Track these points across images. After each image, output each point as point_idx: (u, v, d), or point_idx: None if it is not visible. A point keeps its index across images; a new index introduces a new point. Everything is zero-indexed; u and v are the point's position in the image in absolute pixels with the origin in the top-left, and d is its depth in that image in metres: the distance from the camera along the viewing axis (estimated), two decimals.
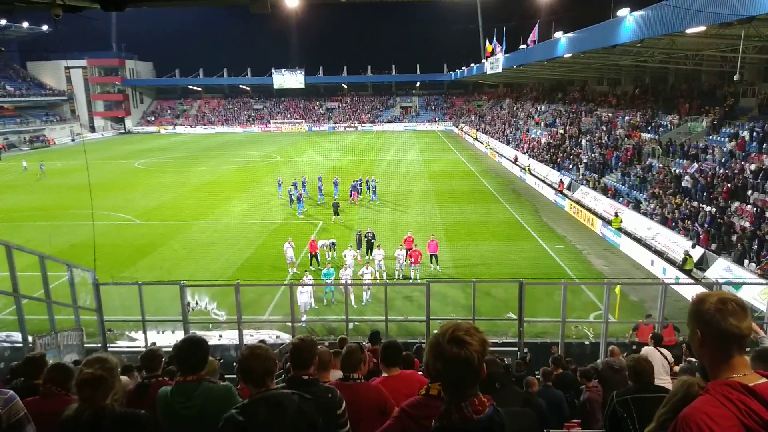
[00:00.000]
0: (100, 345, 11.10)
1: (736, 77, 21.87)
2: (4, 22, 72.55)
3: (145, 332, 11.26)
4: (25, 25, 78.96)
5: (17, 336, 9.08)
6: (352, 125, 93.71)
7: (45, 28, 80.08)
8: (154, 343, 10.74)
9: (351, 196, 33.54)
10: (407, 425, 2.64)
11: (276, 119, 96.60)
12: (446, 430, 1.98)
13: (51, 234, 24.65)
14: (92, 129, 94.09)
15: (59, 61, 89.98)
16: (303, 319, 15.81)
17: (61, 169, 49.99)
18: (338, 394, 3.28)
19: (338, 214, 28.65)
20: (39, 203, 34.39)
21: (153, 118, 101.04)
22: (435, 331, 2.05)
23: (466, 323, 2.02)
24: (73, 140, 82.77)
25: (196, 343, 3.49)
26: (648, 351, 6.99)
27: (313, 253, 20.94)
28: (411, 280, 19.82)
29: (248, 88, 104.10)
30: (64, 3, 10.57)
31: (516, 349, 10.77)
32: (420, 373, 6.79)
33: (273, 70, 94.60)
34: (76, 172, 44.69)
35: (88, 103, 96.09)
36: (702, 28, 19.06)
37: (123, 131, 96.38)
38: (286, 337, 13.30)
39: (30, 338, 8.74)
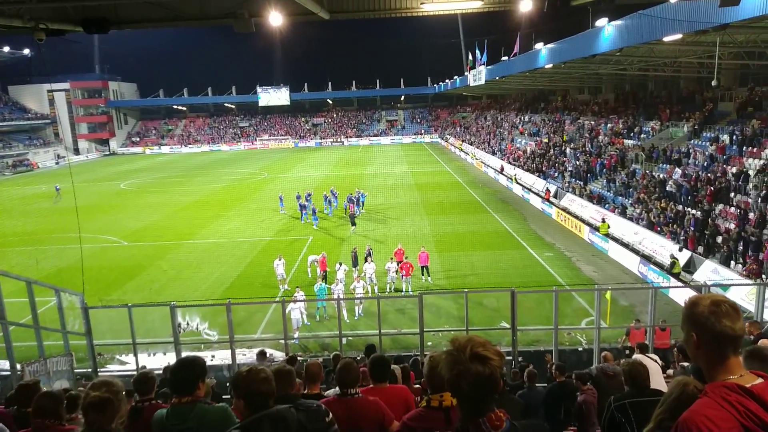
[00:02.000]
0: (90, 370, 10.93)
1: (713, 83, 22.37)
2: None
3: (135, 355, 11.11)
4: (6, 49, 78.28)
5: (5, 364, 8.92)
6: (339, 140, 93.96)
7: (26, 51, 79.51)
8: (144, 367, 10.60)
9: (348, 208, 33.73)
10: None
11: (262, 136, 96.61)
12: None
13: (38, 258, 24.31)
14: (77, 151, 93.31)
15: (42, 85, 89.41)
16: (296, 336, 15.69)
17: (46, 192, 49.43)
18: (322, 406, 3.28)
19: (355, 225, 29.49)
20: (24, 228, 33.93)
21: (138, 139, 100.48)
22: (448, 347, 2.00)
23: (477, 337, 1.99)
24: (57, 163, 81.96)
25: (190, 364, 3.46)
26: (639, 359, 7.05)
27: (324, 271, 20.50)
28: (403, 293, 19.79)
29: (233, 106, 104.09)
30: (47, 27, 10.56)
31: (510, 358, 10.78)
32: (417, 386, 6.79)
33: (258, 88, 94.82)
34: (63, 195, 44.22)
35: (71, 126, 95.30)
36: (678, 36, 19.48)
37: (108, 153, 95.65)
38: (279, 355, 13.18)
39: (18, 366, 8.58)
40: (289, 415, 2.68)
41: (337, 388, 3.91)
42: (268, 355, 10.06)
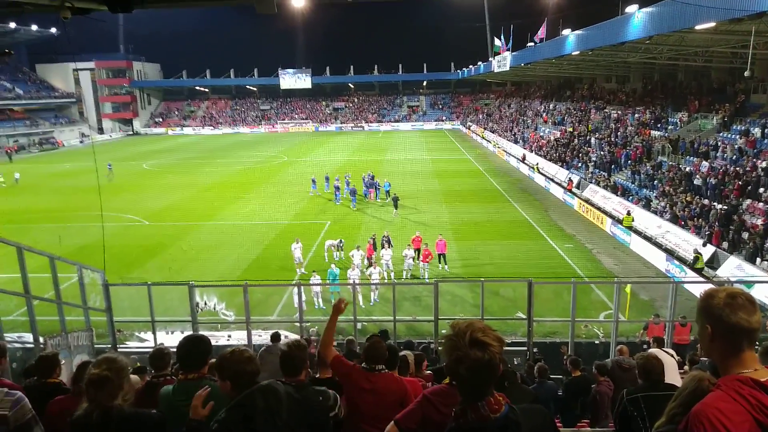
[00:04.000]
0: (110, 345, 11.16)
1: (746, 73, 21.68)
2: (13, 25, 73.20)
3: (154, 333, 11.32)
4: (34, 27, 79.60)
5: (28, 337, 9.13)
6: (359, 125, 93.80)
7: (53, 30, 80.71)
8: (162, 344, 10.79)
9: (368, 193, 34.33)
10: (428, 410, 2.71)
11: (283, 120, 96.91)
12: (463, 430, 1.96)
13: (61, 235, 24.84)
14: (101, 131, 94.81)
15: (68, 64, 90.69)
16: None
17: (70, 170, 50.40)
18: (331, 395, 3.29)
19: (397, 208, 30.04)
20: (48, 205, 34.67)
21: (161, 120, 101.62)
22: (445, 332, 2.01)
23: (478, 321, 1.99)
24: (81, 142, 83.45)
25: (196, 341, 3.53)
26: (654, 353, 6.95)
27: (370, 257, 20.44)
28: (420, 279, 19.81)
29: (255, 89, 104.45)
30: (72, 5, 10.65)
31: (525, 348, 10.71)
32: (428, 372, 6.78)
33: (279, 71, 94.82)
34: (85, 173, 45.01)
35: (96, 105, 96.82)
36: (711, 24, 18.89)
37: (131, 133, 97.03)
38: (294, 337, 13.31)
39: (41, 339, 8.79)
40: (279, 387, 2.75)
41: (364, 363, 3.96)
42: (282, 337, 10.13)
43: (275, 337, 9.60)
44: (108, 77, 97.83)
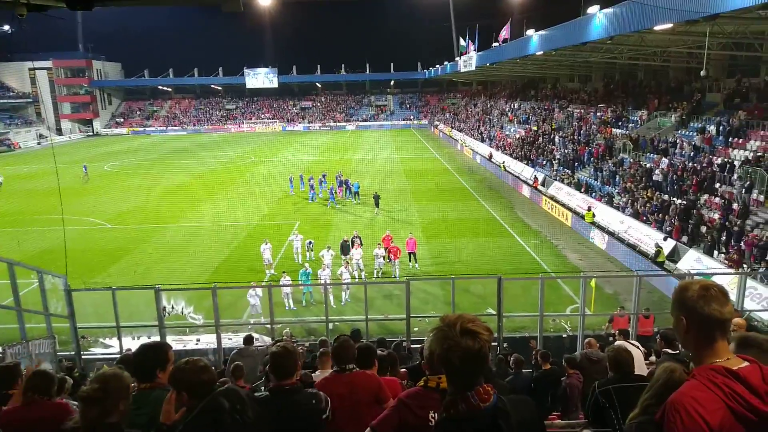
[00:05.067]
0: (74, 353, 10.83)
1: (702, 73, 22.43)
2: None
3: (120, 338, 11.02)
4: None
5: None
6: (327, 124, 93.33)
7: (7, 28, 77.44)
8: (129, 350, 10.52)
9: (337, 191, 34.45)
10: (404, 414, 2.69)
11: (249, 119, 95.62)
12: (453, 421, 1.97)
13: (20, 240, 23.95)
14: (59, 132, 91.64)
15: (23, 62, 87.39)
16: (251, 321, 15.80)
17: (28, 173, 48.59)
18: (323, 397, 3.27)
19: (378, 206, 30.16)
20: (6, 209, 33.36)
21: (122, 120, 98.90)
22: (437, 324, 2.02)
23: (466, 313, 2.02)
24: (39, 143, 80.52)
25: (146, 350, 3.47)
26: (623, 345, 7.14)
27: (389, 252, 20.53)
28: (392, 277, 19.86)
29: (220, 88, 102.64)
30: (28, 2, 10.26)
31: (496, 344, 10.85)
32: (403, 370, 6.80)
33: (245, 70, 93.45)
34: (44, 176, 43.51)
35: (54, 105, 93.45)
36: (669, 25, 19.50)
37: (91, 134, 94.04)
38: (266, 339, 13.16)
39: (0, 348, 8.47)
40: (240, 390, 2.77)
41: (335, 366, 3.94)
42: (255, 339, 10.00)
43: (248, 340, 9.39)
44: (66, 77, 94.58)
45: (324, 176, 36.17)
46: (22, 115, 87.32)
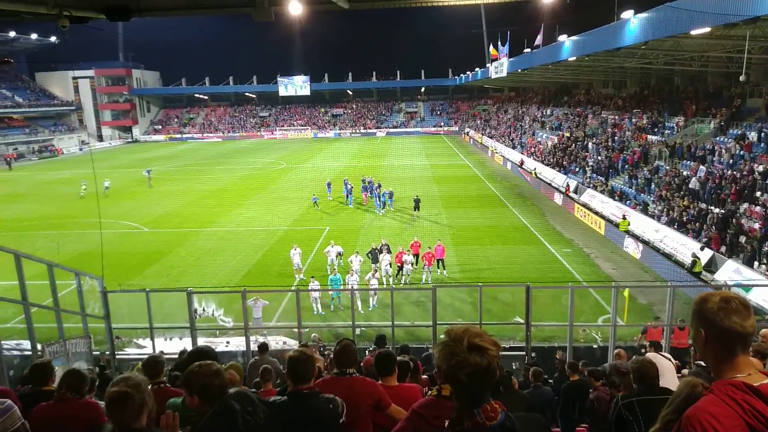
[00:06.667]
0: (108, 352, 11.16)
1: (742, 78, 21.73)
2: (12, 34, 73.37)
3: (152, 339, 11.32)
4: (34, 36, 79.79)
5: (26, 344, 9.13)
6: (358, 131, 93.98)
7: (53, 39, 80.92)
8: (162, 352, 10.79)
9: (362, 196, 34.84)
10: (419, 425, 2.64)
11: (282, 126, 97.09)
12: None
13: (59, 243, 24.82)
14: (100, 138, 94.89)
15: (67, 72, 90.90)
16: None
17: (70, 178, 50.40)
18: (339, 402, 3.29)
19: (419, 209, 30.31)
20: (47, 212, 34.66)
21: (160, 127, 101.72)
22: (443, 338, 1.99)
23: (473, 327, 1.98)
24: (81, 150, 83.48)
25: (199, 355, 3.59)
26: (651, 357, 6.96)
27: (400, 265, 20.34)
28: (422, 283, 19.85)
29: (254, 96, 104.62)
30: (70, 14, 10.71)
31: (524, 353, 10.71)
32: (425, 377, 6.78)
33: (278, 78, 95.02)
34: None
35: (95, 113, 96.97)
36: (707, 30, 18.98)
37: (131, 140, 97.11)
38: (292, 343, 13.31)
39: (39, 346, 8.79)
40: (250, 394, 2.81)
41: (336, 368, 3.95)
42: (281, 344, 10.11)
43: (263, 348, 8.98)
44: (107, 85, 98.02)
45: (370, 180, 35.99)
46: (65, 122, 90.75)
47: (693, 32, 19.69)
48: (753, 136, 25.38)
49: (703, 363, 5.62)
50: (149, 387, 2.79)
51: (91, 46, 79.62)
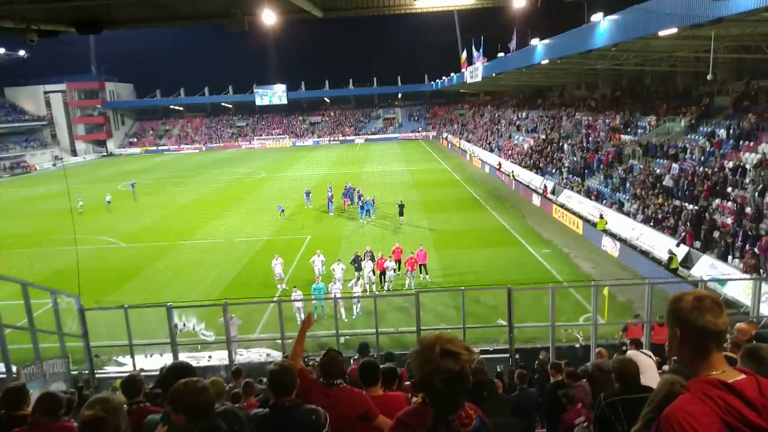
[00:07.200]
0: (87, 371, 10.92)
1: (709, 77, 22.27)
2: None
3: (132, 356, 11.11)
4: (1, 50, 78.06)
5: (1, 367, 8.89)
6: (336, 138, 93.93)
7: (22, 53, 79.21)
8: (142, 369, 10.59)
9: (343, 202, 34.84)
10: None
11: (259, 136, 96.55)
12: None
13: (34, 261, 24.26)
14: (74, 153, 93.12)
15: (38, 86, 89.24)
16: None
17: (43, 194, 49.36)
18: (322, 413, 3.27)
19: (403, 215, 30.20)
20: (20, 230, 33.86)
21: (135, 140, 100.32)
22: (416, 347, 1.99)
23: (444, 333, 2.00)
24: (54, 165, 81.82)
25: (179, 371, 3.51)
26: (632, 354, 7.05)
27: (382, 271, 20.34)
28: (405, 289, 19.85)
29: (230, 106, 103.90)
30: (38, 28, 10.52)
31: (508, 355, 10.78)
32: (407, 383, 6.76)
33: (255, 87, 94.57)
34: (59, 196, 44.01)
35: (68, 127, 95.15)
36: (674, 30, 19.44)
37: (105, 154, 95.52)
38: (276, 355, 13.18)
39: (14, 368, 8.57)
40: (237, 411, 2.79)
41: (322, 379, 3.94)
42: (264, 356, 10.01)
43: (237, 374, 8.31)
44: (80, 99, 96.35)
45: (353, 189, 36.09)
46: (37, 137, 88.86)
47: (661, 33, 20.13)
48: (722, 133, 26.04)
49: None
50: (126, 408, 2.74)
51: (63, 59, 78.47)
